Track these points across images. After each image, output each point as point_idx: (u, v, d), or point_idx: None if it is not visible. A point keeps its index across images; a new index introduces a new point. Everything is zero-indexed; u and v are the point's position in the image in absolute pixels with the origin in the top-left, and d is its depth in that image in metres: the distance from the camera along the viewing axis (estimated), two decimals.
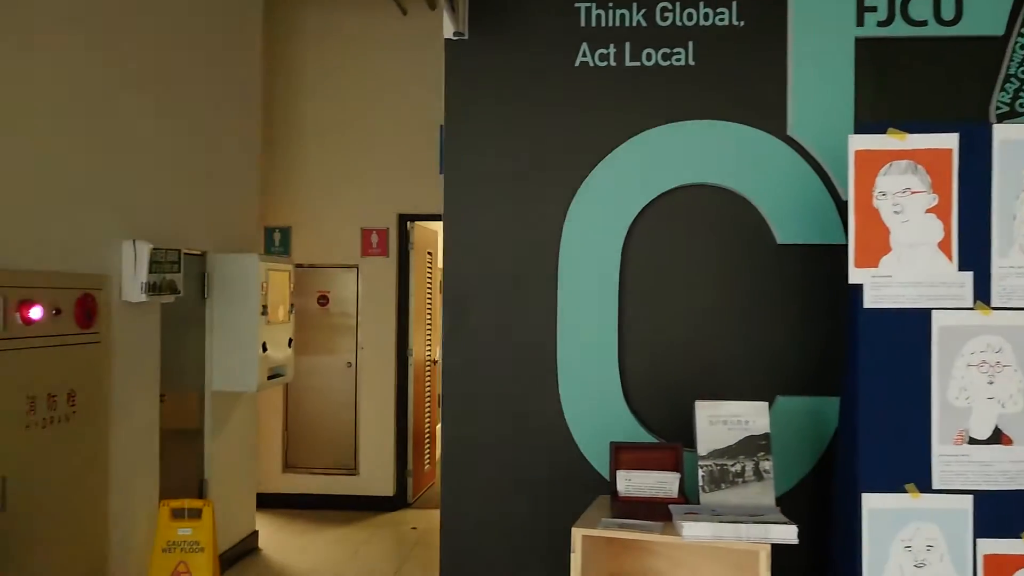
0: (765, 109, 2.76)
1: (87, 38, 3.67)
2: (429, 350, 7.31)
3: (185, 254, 4.34)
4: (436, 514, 6.41)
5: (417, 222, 6.80)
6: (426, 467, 7.16)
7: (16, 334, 3.13)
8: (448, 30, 2.84)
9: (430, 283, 7.29)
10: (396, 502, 6.60)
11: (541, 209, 2.83)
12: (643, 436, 2.74)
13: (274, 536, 5.80)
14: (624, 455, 2.41)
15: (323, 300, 6.64)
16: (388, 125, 6.58)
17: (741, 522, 2.05)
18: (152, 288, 3.93)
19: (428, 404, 7.25)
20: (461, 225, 2.88)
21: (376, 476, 6.60)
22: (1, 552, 2.89)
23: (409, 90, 6.54)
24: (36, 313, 3.19)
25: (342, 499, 6.58)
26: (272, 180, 6.43)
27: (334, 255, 6.64)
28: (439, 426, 8.16)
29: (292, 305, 5.41)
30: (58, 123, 3.43)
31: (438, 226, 7.89)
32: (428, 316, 7.25)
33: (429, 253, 7.28)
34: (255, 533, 5.56)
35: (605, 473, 2.74)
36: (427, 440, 7.19)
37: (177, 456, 4.57)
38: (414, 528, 6.11)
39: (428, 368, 7.26)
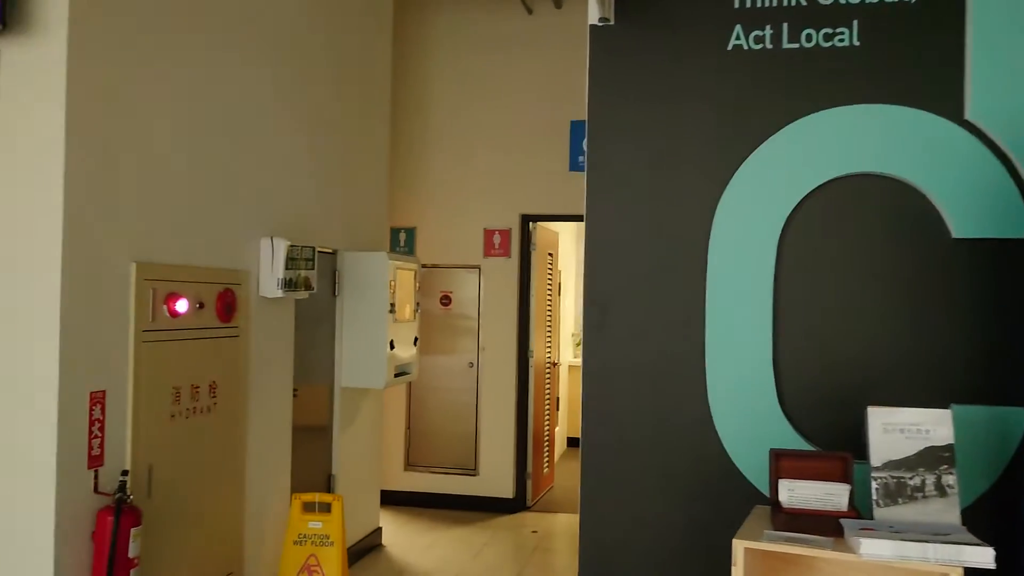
0: (940, 91, 2.53)
1: (241, 54, 3.75)
2: (549, 352, 7.21)
3: (318, 252, 4.38)
4: (556, 518, 6.39)
5: (539, 223, 6.72)
6: (545, 470, 7.07)
7: (163, 326, 3.20)
8: (593, 16, 2.73)
9: (550, 284, 7.20)
10: (515, 504, 6.52)
11: (689, 203, 2.68)
12: (799, 444, 2.55)
13: (396, 533, 5.82)
14: (785, 463, 2.24)
15: (446, 300, 6.64)
16: (512, 125, 6.53)
17: (928, 541, 1.85)
18: (288, 284, 3.97)
19: (547, 406, 7.16)
20: (603, 222, 2.76)
21: (496, 477, 6.54)
22: (148, 537, 2.95)
23: (534, 90, 6.47)
24: (182, 306, 3.25)
25: (461, 499, 6.56)
26: (398, 181, 6.47)
27: (457, 255, 6.63)
28: (557, 429, 8.11)
29: (418, 304, 5.41)
30: (209, 127, 3.50)
31: (560, 227, 7.81)
32: (548, 317, 7.16)
33: (550, 254, 7.19)
34: (379, 530, 5.59)
35: (756, 482, 2.57)
36: (546, 443, 7.09)
37: (306, 450, 4.62)
38: (534, 532, 6.02)
39: (548, 370, 7.16)
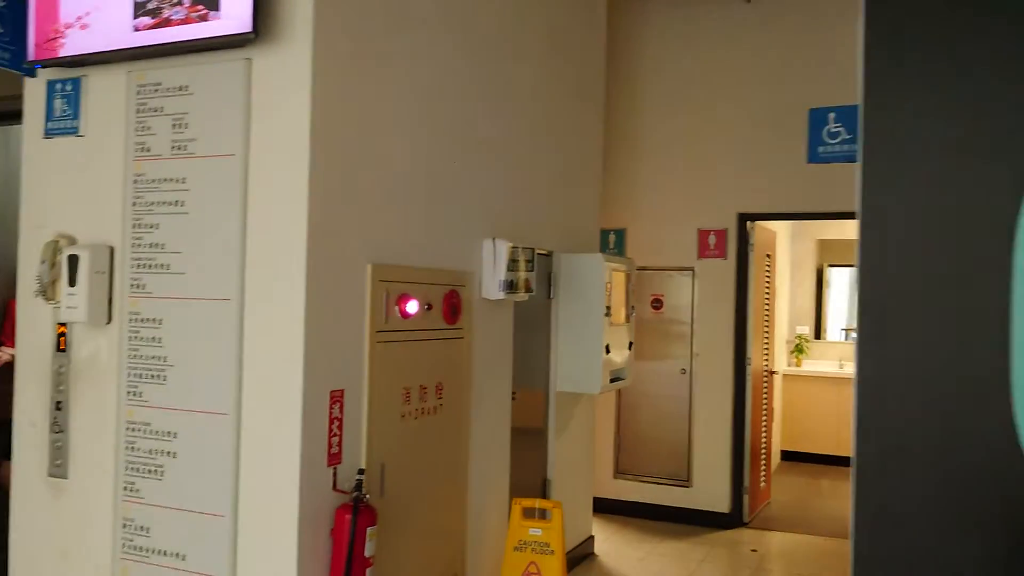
0: None
1: (466, 58, 3.74)
2: (767, 359, 6.79)
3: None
4: (776, 537, 5.99)
5: (757, 222, 6.33)
6: (762, 484, 6.66)
7: (395, 327, 3.21)
8: None
9: (768, 287, 6.78)
10: (731, 520, 6.17)
11: (988, 192, 2.30)
12: None
13: (607, 542, 5.65)
14: None
15: (657, 304, 6.41)
16: (730, 120, 6.20)
17: None
18: (509, 286, 3.91)
19: (765, 417, 6.74)
20: (884, 218, 2.42)
21: (711, 490, 6.22)
22: (381, 535, 2.95)
23: (753, 81, 6.11)
24: (413, 307, 3.26)
25: (673, 511, 6.29)
26: (607, 181, 6.32)
27: (669, 257, 6.38)
28: (772, 441, 7.65)
29: (632, 307, 5.23)
30: (436, 129, 3.50)
31: (778, 226, 7.35)
32: (766, 323, 6.74)
33: (768, 255, 6.77)
34: (591, 538, 5.45)
35: None
36: (763, 455, 6.68)
37: (521, 454, 4.55)
38: (754, 550, 5.65)
39: (765, 379, 6.74)
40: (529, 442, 4.74)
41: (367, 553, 2.82)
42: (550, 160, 4.74)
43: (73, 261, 3.00)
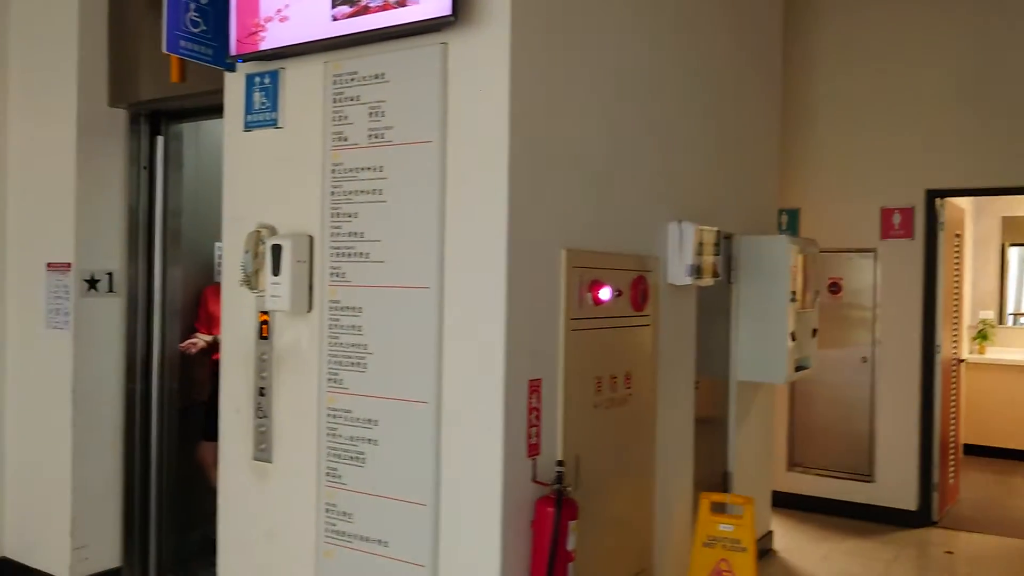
0: None
1: (650, 37, 3.59)
2: (955, 347, 6.29)
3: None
4: (969, 538, 5.53)
5: (947, 198, 5.85)
6: (950, 480, 6.18)
7: (588, 314, 3.11)
8: None
9: (958, 270, 6.27)
10: (919, 518, 5.77)
11: None
12: None
13: (786, 538, 5.39)
14: None
15: (834, 288, 6.04)
16: (918, 89, 5.74)
17: None
18: (695, 271, 3.73)
19: (954, 409, 6.25)
20: None
21: (896, 486, 5.83)
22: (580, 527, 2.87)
23: (946, 45, 5.62)
24: (605, 294, 3.14)
25: (853, 507, 5.94)
26: (781, 159, 6.00)
27: (848, 238, 6.00)
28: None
29: (816, 292, 4.93)
30: (623, 108, 3.36)
31: (963, 202, 6.79)
32: (955, 308, 6.23)
33: (957, 235, 6.25)
34: (770, 533, 5.21)
35: None
36: (952, 450, 6.20)
37: (700, 446, 4.37)
38: (949, 552, 5.25)
39: (954, 368, 6.25)
40: (708, 433, 4.55)
41: (569, 547, 2.74)
42: (728, 136, 4.52)
43: (277, 251, 3.05)
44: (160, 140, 4.41)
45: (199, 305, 5.00)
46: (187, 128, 4.56)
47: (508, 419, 2.69)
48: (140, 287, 4.38)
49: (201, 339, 4.93)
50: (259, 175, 3.29)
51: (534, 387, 2.82)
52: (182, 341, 4.69)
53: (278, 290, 3.07)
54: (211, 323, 5.02)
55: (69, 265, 4.12)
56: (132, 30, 4.22)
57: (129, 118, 4.33)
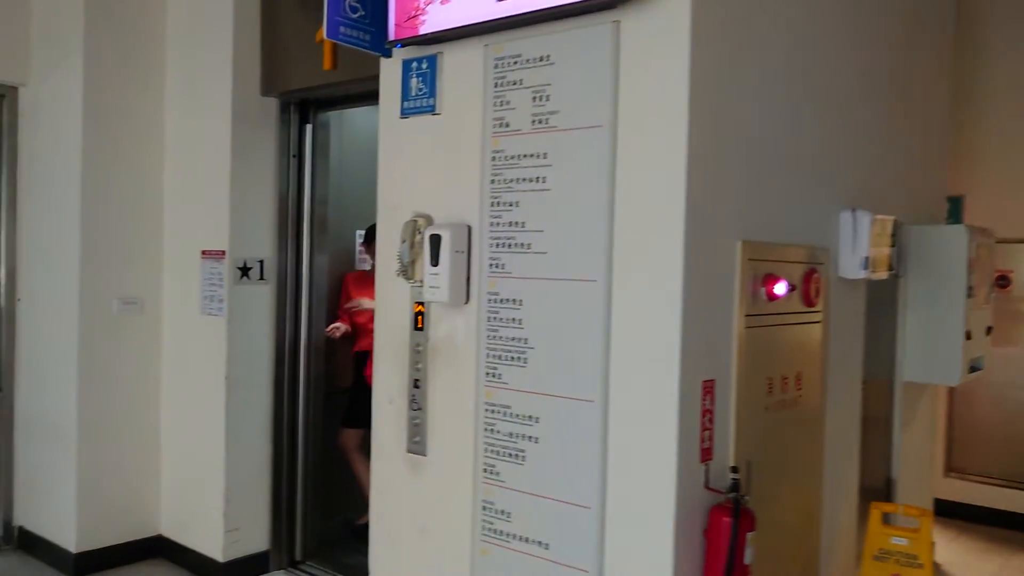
0: None
1: (822, 15, 3.33)
2: None
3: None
4: None
5: None
6: None
7: (761, 310, 2.90)
8: None
9: None
10: None
11: None
12: None
13: (946, 550, 5.01)
14: None
15: (1003, 281, 5.56)
16: None
17: None
18: (869, 264, 3.45)
19: None
20: None
21: None
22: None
23: None
24: (781, 289, 2.92)
25: (1019, 518, 5.47)
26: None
27: (1018, 227, 5.50)
28: None
29: (993, 287, 4.52)
30: (794, 90, 3.11)
31: None
32: None
33: None
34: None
35: None
36: None
37: (863, 451, 4.08)
38: None
39: None
40: (869, 437, 4.24)
41: (746, 560, 2.55)
42: (897, 121, 4.17)
43: (435, 241, 2.97)
44: (309, 129, 4.43)
45: (341, 292, 5.03)
46: (332, 117, 4.57)
47: (682, 422, 2.52)
48: (289, 274, 4.43)
49: (343, 326, 4.97)
50: (415, 163, 3.22)
51: (708, 388, 2.64)
52: (326, 328, 4.73)
53: (436, 281, 2.99)
54: (352, 310, 5.05)
55: (223, 253, 4.20)
56: (283, 19, 4.24)
57: (280, 107, 4.36)
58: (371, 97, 3.44)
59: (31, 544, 4.64)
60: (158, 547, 4.59)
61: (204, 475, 4.36)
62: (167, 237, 4.58)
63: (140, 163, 4.48)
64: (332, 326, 4.82)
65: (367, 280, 5.11)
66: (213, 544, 4.29)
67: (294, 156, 4.41)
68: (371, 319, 5.00)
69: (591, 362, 2.67)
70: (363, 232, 5.20)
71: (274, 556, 4.47)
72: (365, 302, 4.83)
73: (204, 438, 4.35)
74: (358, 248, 5.40)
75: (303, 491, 4.52)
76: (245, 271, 4.24)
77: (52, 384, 4.49)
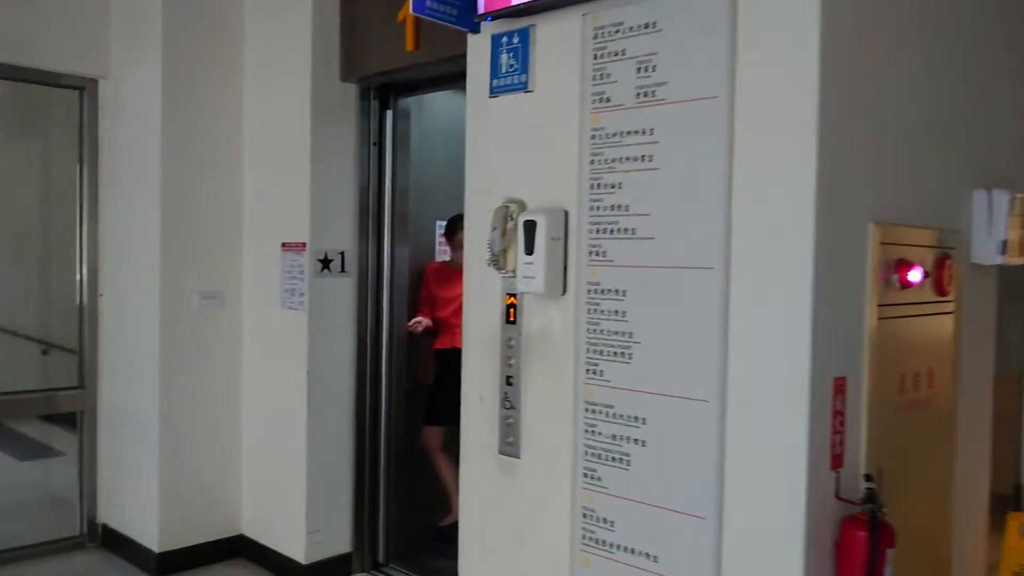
0: None
1: None
2: None
3: None
4: None
5: None
6: None
7: (894, 300, 2.62)
8: None
9: None
10: None
11: None
12: None
13: None
14: None
15: None
16: None
17: None
18: (1008, 248, 3.11)
19: None
20: None
21: None
22: None
23: None
24: (915, 276, 2.63)
25: None
26: None
27: None
28: None
29: None
30: (925, 57, 2.81)
31: None
32: None
33: None
34: None
35: None
36: None
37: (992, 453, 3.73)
38: None
39: None
40: (997, 438, 3.89)
41: None
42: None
43: (530, 227, 2.77)
44: (389, 115, 4.28)
45: (421, 285, 4.89)
46: (411, 103, 4.42)
47: (813, 424, 2.27)
48: (370, 267, 4.29)
49: (424, 320, 4.82)
50: (506, 145, 3.03)
51: (839, 386, 2.38)
52: (408, 322, 4.59)
53: (531, 271, 2.79)
54: (433, 303, 4.90)
55: (304, 245, 4.08)
56: (361, 1, 4.10)
57: (359, 93, 4.23)
58: (455, 79, 3.28)
59: (115, 542, 4.63)
60: (239, 547, 4.53)
61: (285, 474, 4.26)
62: (247, 230, 4.50)
63: (219, 154, 4.41)
64: (414, 320, 4.67)
65: (448, 272, 4.96)
66: (295, 546, 4.19)
67: (374, 144, 4.27)
68: (455, 313, 4.86)
69: (706, 358, 2.43)
70: (444, 223, 5.05)
71: (356, 558, 4.35)
72: None
73: (285, 436, 4.26)
74: (438, 239, 5.24)
75: (385, 491, 4.39)
76: (326, 263, 4.12)
77: (134, 380, 4.46)
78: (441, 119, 5.14)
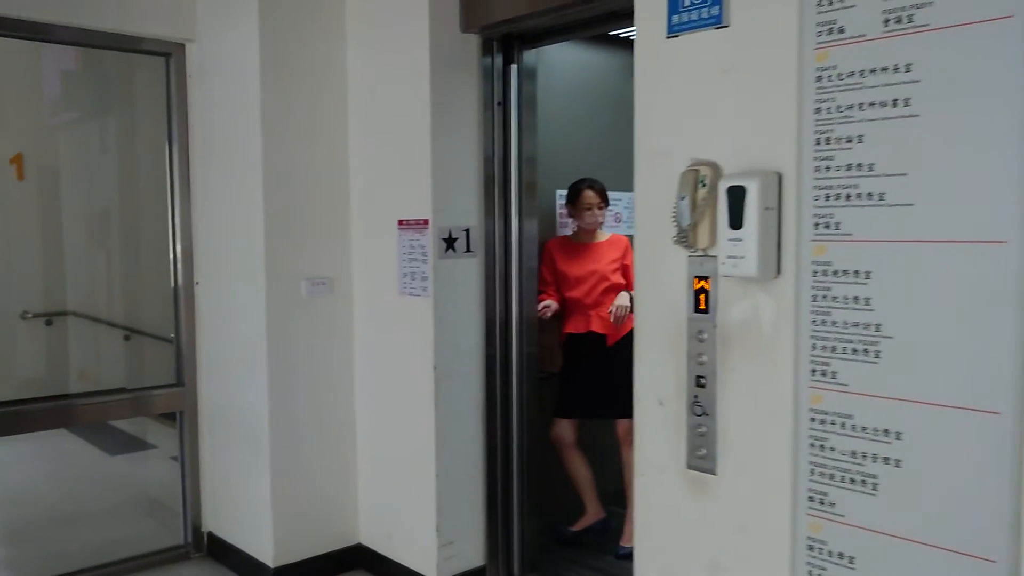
0: None
1: None
2: None
3: None
4: None
5: None
6: None
7: None
8: None
9: None
10: None
11: None
12: None
13: None
14: None
15: None
16: None
17: None
18: None
19: None
20: None
21: None
22: None
23: None
24: None
25: None
26: None
27: None
28: None
29: None
30: None
31: None
32: None
33: None
34: None
35: None
36: None
37: None
38: None
39: None
40: None
41: None
42: None
43: (737, 195, 2.30)
44: (514, 70, 3.81)
45: (542, 263, 4.44)
46: (534, 57, 3.94)
47: None
48: (497, 244, 3.86)
49: (552, 303, 4.39)
50: (692, 95, 2.54)
51: None
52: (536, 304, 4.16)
53: (740, 248, 2.32)
54: (562, 283, 4.46)
55: (426, 222, 3.66)
56: None
57: (481, 46, 3.76)
58: (595, 23, 2.79)
59: (222, 552, 4.35)
60: (357, 558, 4.20)
61: (411, 480, 3.90)
62: (355, 206, 4.10)
63: (324, 122, 4.01)
64: (543, 305, 4.24)
65: (573, 247, 4.52)
66: (425, 560, 3.83)
67: (499, 104, 3.81)
68: (587, 293, 4.40)
69: (995, 358, 1.94)
70: (564, 192, 4.59)
71: (491, 571, 3.97)
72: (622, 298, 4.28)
73: (409, 437, 3.89)
74: (559, 210, 4.78)
75: (519, 494, 3.99)
76: (450, 243, 3.70)
77: (239, 376, 4.14)
78: (558, 74, 4.66)
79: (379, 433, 4.09)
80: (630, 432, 4.34)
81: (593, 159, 4.72)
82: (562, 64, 4.70)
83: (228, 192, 4.10)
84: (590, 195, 4.36)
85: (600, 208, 4.39)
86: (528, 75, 3.89)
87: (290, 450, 3.98)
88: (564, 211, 4.65)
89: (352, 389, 4.14)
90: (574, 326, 4.42)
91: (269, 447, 3.91)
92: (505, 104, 3.82)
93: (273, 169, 3.85)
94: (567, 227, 4.75)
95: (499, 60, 3.80)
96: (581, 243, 4.50)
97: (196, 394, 4.38)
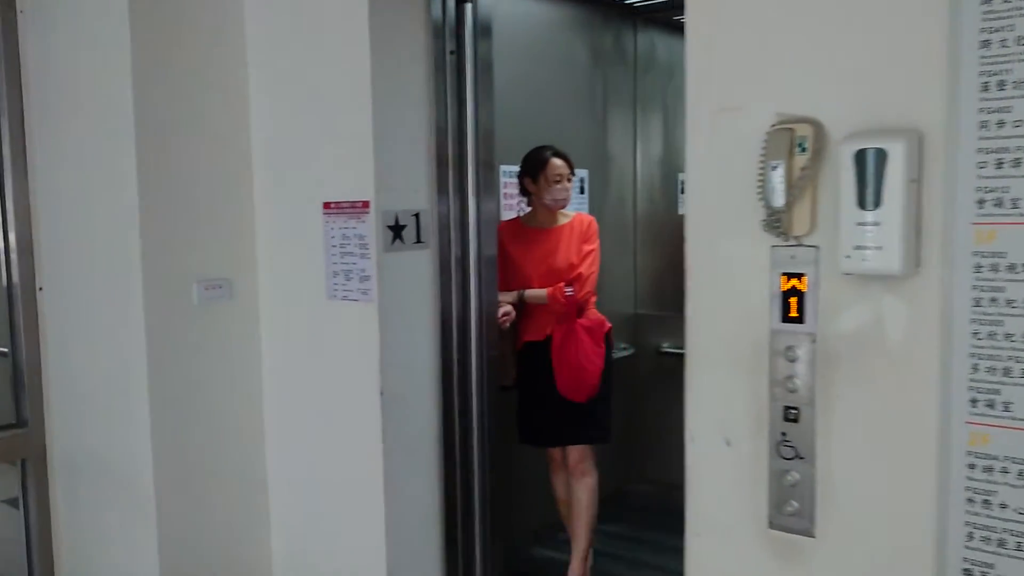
0: None
1: None
2: None
3: None
4: None
5: None
6: None
7: None
8: None
9: None
10: None
11: None
12: None
13: None
14: None
15: None
16: None
17: None
18: None
19: None
20: None
21: None
22: None
23: None
24: None
25: None
26: None
27: None
28: None
29: None
30: None
31: None
32: None
33: None
34: None
35: None
36: None
37: None
38: None
39: None
40: None
41: None
42: None
43: (876, 162, 1.77)
44: (468, 10, 3.15)
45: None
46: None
47: None
48: (453, 232, 3.20)
49: (507, 304, 3.78)
50: (774, 30, 2.01)
51: None
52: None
53: (876, 236, 1.79)
54: (513, 280, 3.86)
55: (366, 204, 2.94)
56: None
57: None
58: None
59: None
60: None
61: (351, 538, 3.19)
62: (260, 185, 3.33)
63: (218, 75, 3.22)
64: (502, 312, 3.62)
65: (528, 235, 3.93)
66: None
67: (452, 53, 3.14)
68: (559, 293, 3.80)
69: None
70: (511, 168, 3.97)
71: None
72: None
73: (345, 483, 3.19)
74: (503, 189, 4.16)
75: (482, 531, 3.38)
76: (398, 231, 2.99)
77: (106, 413, 3.30)
78: (505, 22, 4.03)
79: (302, 479, 3.35)
80: (582, 460, 3.88)
81: (541, 130, 4.14)
82: (512, 11, 4.12)
83: (86, 167, 3.24)
84: (558, 164, 3.79)
85: (569, 180, 3.82)
86: (484, 21, 3.24)
87: (180, 506, 3.20)
88: (514, 190, 4.04)
89: (260, 424, 3.38)
90: (532, 333, 3.83)
91: (155, 504, 3.12)
92: (459, 54, 3.15)
93: (150, 139, 3.04)
94: (511, 209, 4.14)
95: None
96: (540, 228, 3.91)
97: (44, 435, 3.50)
